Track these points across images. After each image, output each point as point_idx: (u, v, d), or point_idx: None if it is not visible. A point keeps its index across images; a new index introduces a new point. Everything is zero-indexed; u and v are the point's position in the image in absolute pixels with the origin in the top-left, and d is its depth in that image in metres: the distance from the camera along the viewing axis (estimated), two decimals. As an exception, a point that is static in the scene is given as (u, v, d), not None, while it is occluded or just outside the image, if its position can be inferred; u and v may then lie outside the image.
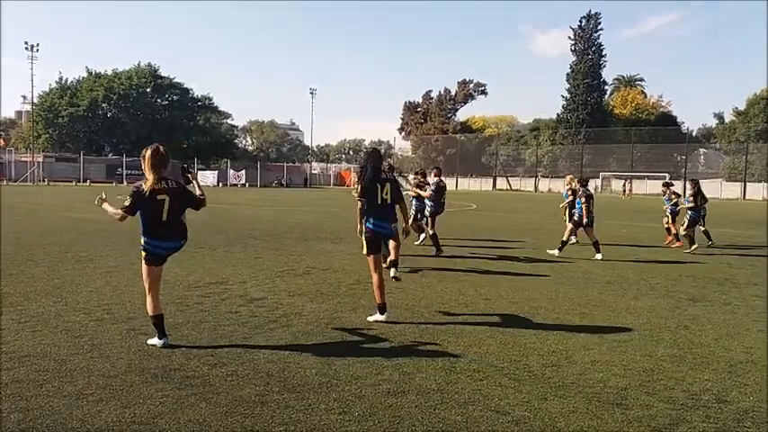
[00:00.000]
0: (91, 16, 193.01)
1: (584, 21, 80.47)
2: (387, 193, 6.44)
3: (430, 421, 3.84)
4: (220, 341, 5.42)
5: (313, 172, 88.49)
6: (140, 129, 75.96)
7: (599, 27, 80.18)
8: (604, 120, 78.49)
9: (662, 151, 71.64)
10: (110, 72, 79.95)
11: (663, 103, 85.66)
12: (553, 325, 6.42)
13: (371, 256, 6.44)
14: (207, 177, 69.52)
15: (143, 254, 5.22)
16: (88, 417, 3.71)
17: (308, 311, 6.71)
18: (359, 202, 6.41)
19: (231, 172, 72.90)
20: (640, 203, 43.00)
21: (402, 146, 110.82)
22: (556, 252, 12.19)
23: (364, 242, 6.45)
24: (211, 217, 20.54)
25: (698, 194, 14.19)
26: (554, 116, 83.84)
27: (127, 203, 5.07)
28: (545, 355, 5.35)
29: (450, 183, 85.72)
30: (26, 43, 63.42)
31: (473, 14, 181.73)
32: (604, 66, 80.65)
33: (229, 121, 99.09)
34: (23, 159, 66.68)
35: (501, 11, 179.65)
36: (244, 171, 73.61)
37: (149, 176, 5.12)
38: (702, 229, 14.69)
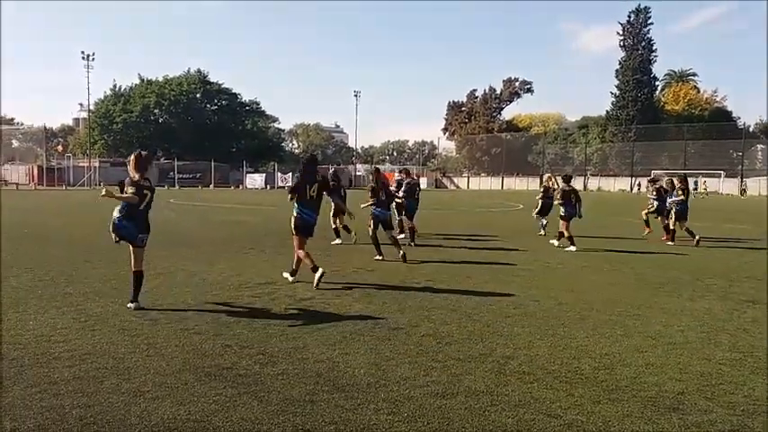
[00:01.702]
0: (142, 23, 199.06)
1: (632, 15, 78.59)
2: (314, 191, 8.25)
3: (480, 423, 3.81)
4: (271, 340, 5.51)
5: (357, 173, 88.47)
6: (190, 133, 77.98)
7: (648, 22, 78.15)
8: (655, 116, 76.45)
9: (717, 148, 69.20)
10: (161, 79, 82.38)
11: (717, 98, 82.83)
12: (605, 327, 6.28)
13: (298, 236, 8.21)
14: (255, 180, 70.78)
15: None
16: (146, 414, 3.82)
17: (356, 312, 6.74)
18: (290, 195, 8.27)
19: (278, 174, 73.95)
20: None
21: (446, 146, 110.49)
22: (573, 248, 12.68)
23: (293, 224, 8.21)
24: (260, 219, 20.93)
25: (686, 190, 14.97)
26: (603, 113, 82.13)
27: (133, 191, 6.39)
28: (597, 357, 5.23)
29: (495, 182, 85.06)
30: (83, 53, 65.83)
31: (517, 11, 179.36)
32: (655, 61, 78.72)
33: (276, 124, 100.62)
34: (81, 165, 69.33)
35: (544, 7, 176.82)
36: (290, 173, 74.51)
37: (136, 175, 6.45)
38: (666, 222, 15.50)
